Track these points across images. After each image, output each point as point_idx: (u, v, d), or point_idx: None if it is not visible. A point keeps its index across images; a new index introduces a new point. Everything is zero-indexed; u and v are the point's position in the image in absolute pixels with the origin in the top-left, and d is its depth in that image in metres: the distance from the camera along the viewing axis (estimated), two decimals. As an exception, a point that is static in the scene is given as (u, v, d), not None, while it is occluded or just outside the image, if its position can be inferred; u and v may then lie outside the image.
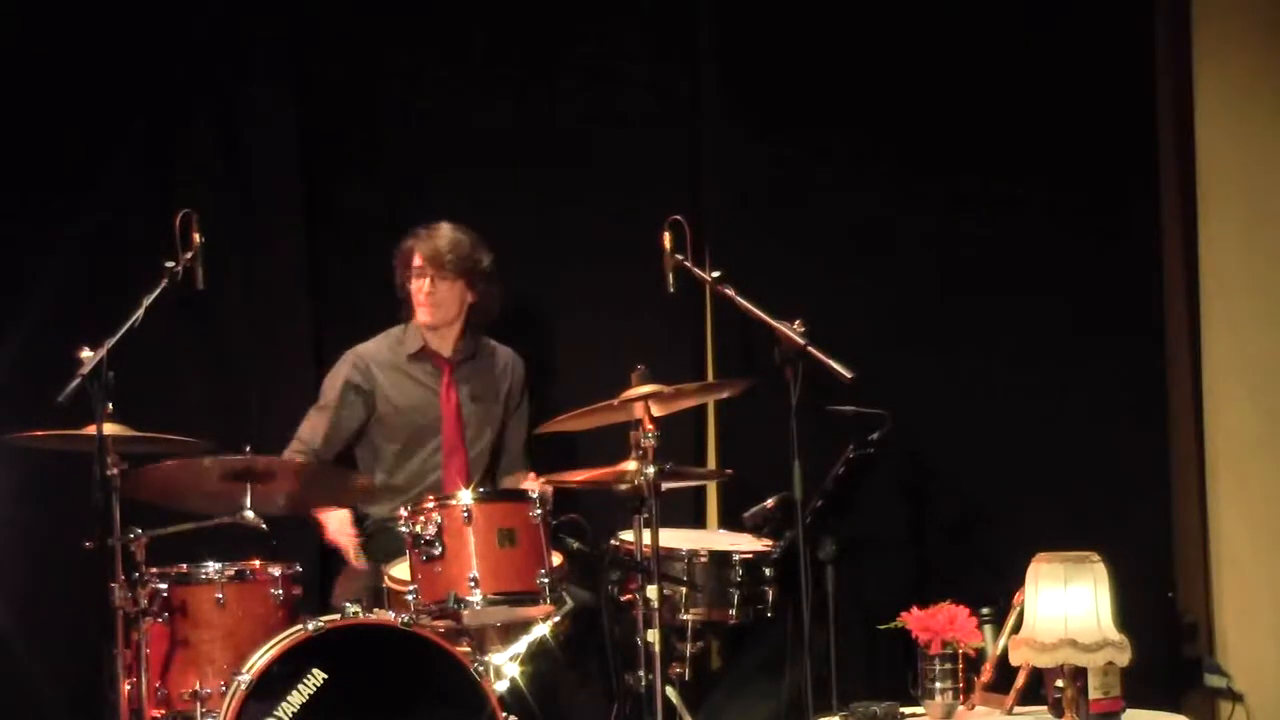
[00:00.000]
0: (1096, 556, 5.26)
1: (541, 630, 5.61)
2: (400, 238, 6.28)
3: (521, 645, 5.59)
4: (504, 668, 5.52)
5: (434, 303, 6.23)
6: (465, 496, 5.56)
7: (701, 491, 6.78)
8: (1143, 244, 6.69)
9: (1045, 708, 5.44)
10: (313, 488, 5.96)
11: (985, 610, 5.77)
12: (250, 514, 5.45)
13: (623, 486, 5.56)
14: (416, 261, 6.22)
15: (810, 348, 5.49)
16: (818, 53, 6.67)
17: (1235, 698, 6.54)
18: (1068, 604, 5.19)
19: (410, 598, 5.52)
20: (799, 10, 6.68)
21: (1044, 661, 5.24)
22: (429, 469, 6.27)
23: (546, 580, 5.51)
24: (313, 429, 6.28)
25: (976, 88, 6.65)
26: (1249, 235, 6.62)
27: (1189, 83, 6.65)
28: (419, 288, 6.23)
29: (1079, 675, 5.26)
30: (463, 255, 6.20)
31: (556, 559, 5.64)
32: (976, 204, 6.65)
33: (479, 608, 5.49)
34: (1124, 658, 5.22)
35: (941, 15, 6.66)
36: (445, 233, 6.22)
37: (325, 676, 5.23)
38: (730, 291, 5.72)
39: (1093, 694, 5.29)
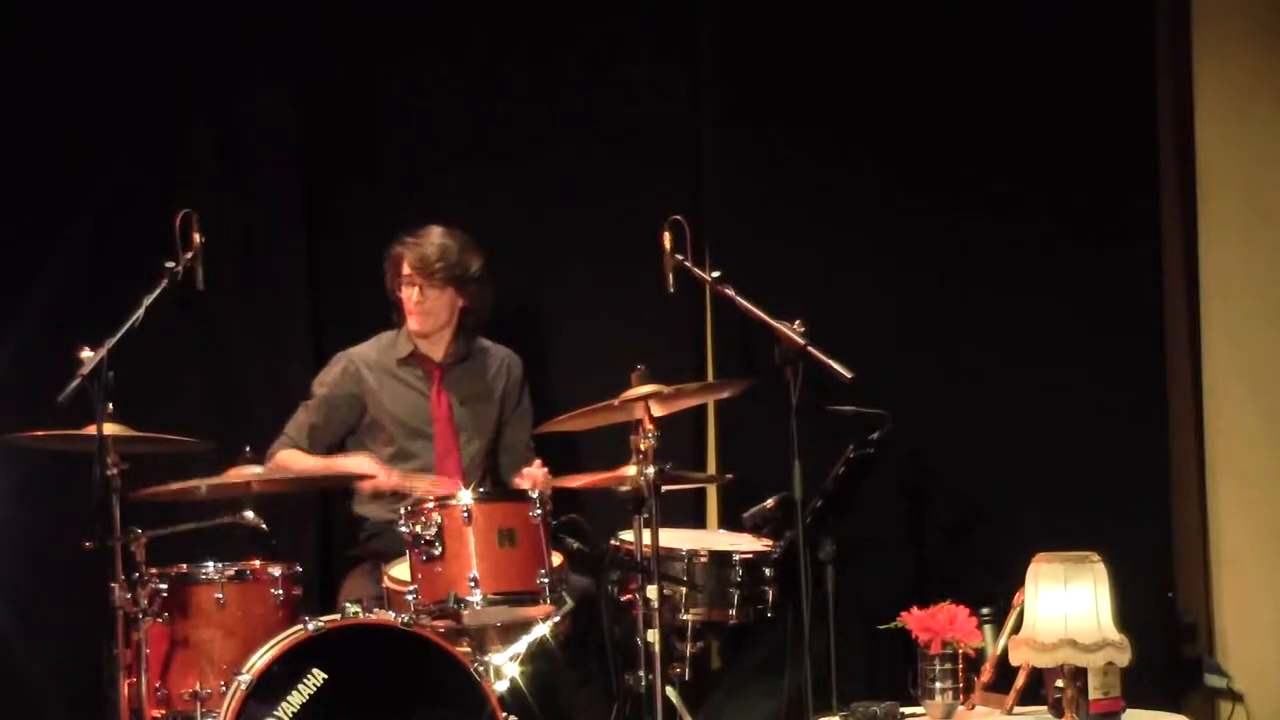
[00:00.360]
0: (1096, 556, 5.27)
1: (541, 630, 5.61)
2: (399, 238, 6.28)
3: (521, 645, 5.59)
4: (504, 668, 5.52)
5: (424, 311, 6.21)
6: (465, 496, 5.56)
7: (701, 491, 6.78)
8: (1143, 244, 6.68)
9: (1045, 708, 5.44)
10: (311, 485, 6.01)
11: (985, 610, 5.77)
12: (250, 514, 5.46)
13: (623, 487, 5.56)
14: (405, 270, 6.19)
15: (810, 348, 5.50)
16: (818, 53, 6.66)
17: (1235, 698, 6.53)
18: (1068, 604, 5.19)
19: (410, 598, 5.52)
20: (799, 10, 6.68)
21: (1044, 661, 5.24)
22: (424, 471, 6.24)
23: (546, 580, 5.52)
24: (299, 426, 6.28)
25: (977, 88, 6.64)
26: (1249, 235, 6.62)
27: (1189, 83, 6.65)
28: (408, 296, 6.21)
29: (1079, 675, 5.26)
30: (451, 263, 6.17)
31: (556, 559, 5.64)
32: (977, 204, 6.63)
33: (479, 608, 5.50)
34: (1124, 658, 5.22)
35: (942, 15, 6.66)
36: (434, 239, 6.19)
37: (325, 676, 5.23)
38: (730, 291, 5.73)
39: (1093, 694, 5.29)
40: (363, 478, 6.10)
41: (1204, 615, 6.68)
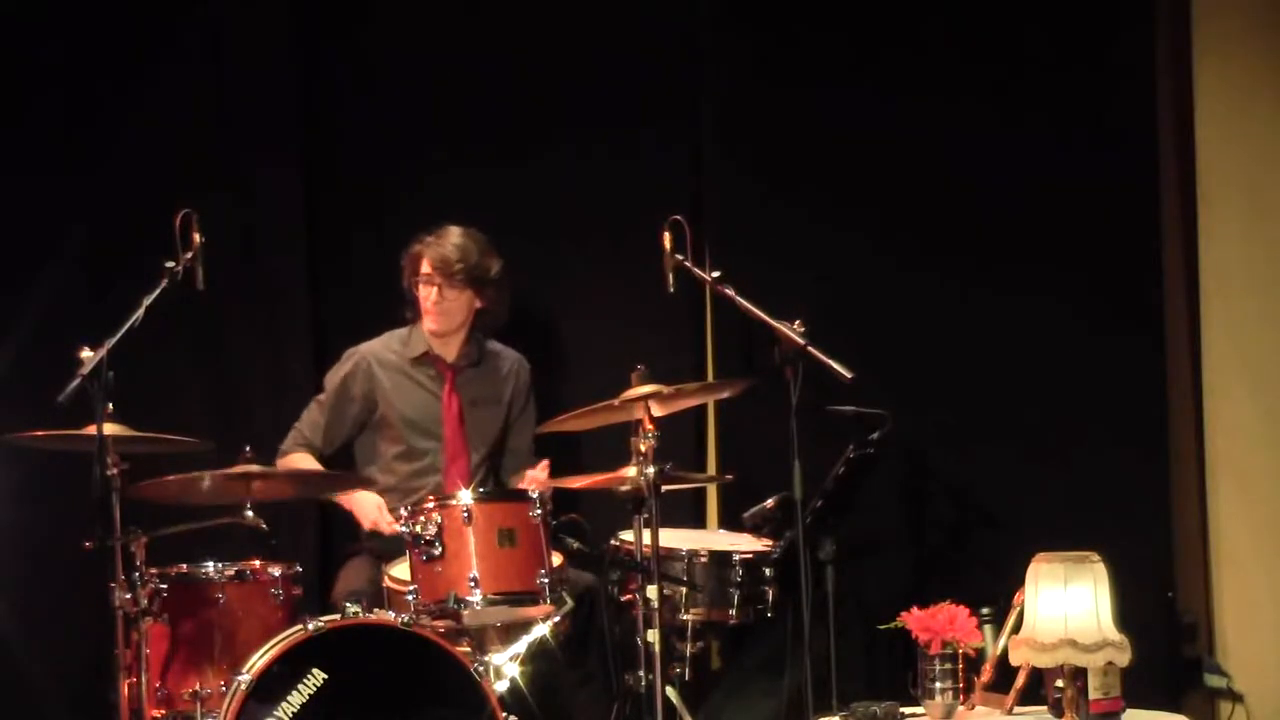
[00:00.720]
0: (1096, 556, 5.27)
1: (541, 630, 5.60)
2: (400, 238, 6.27)
3: (521, 645, 5.58)
4: (504, 668, 5.52)
5: (441, 311, 6.21)
6: (465, 496, 5.56)
7: (701, 491, 6.78)
8: (1143, 244, 6.68)
9: (1045, 708, 5.44)
10: (312, 486, 6.00)
11: (985, 610, 5.78)
12: (250, 514, 5.45)
13: (623, 487, 5.56)
14: (425, 269, 6.18)
15: (810, 348, 5.50)
16: (819, 53, 6.66)
17: (1235, 698, 6.53)
18: (1068, 604, 5.19)
19: (410, 598, 5.52)
20: (801, 10, 6.67)
21: (1044, 661, 5.24)
22: (429, 472, 6.25)
23: (546, 580, 5.52)
24: (313, 423, 6.29)
25: (977, 87, 6.63)
26: (1249, 234, 6.62)
27: (1189, 83, 6.65)
28: (426, 295, 6.20)
29: (1079, 675, 5.26)
30: (471, 264, 6.16)
31: (556, 559, 5.64)
32: (976, 204, 6.63)
33: (479, 608, 5.50)
34: (1124, 658, 5.22)
35: (940, 15, 6.65)
36: (454, 239, 6.19)
37: (325, 676, 5.23)
38: (730, 291, 5.73)
39: (1093, 694, 5.29)
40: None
41: (1204, 615, 6.67)
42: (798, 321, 5.54)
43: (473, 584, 5.45)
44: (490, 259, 6.22)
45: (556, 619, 5.61)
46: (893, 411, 6.08)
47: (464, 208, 6.41)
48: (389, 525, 5.99)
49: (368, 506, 6.10)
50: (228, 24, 6.57)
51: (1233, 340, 6.65)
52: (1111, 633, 5.20)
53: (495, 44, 6.72)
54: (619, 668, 5.72)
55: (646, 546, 5.43)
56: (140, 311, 5.39)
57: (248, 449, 5.53)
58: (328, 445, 6.26)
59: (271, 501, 5.62)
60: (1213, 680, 6.56)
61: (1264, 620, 6.60)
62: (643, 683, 5.38)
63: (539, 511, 5.55)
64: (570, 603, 5.62)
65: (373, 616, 5.40)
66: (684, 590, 5.81)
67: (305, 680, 5.22)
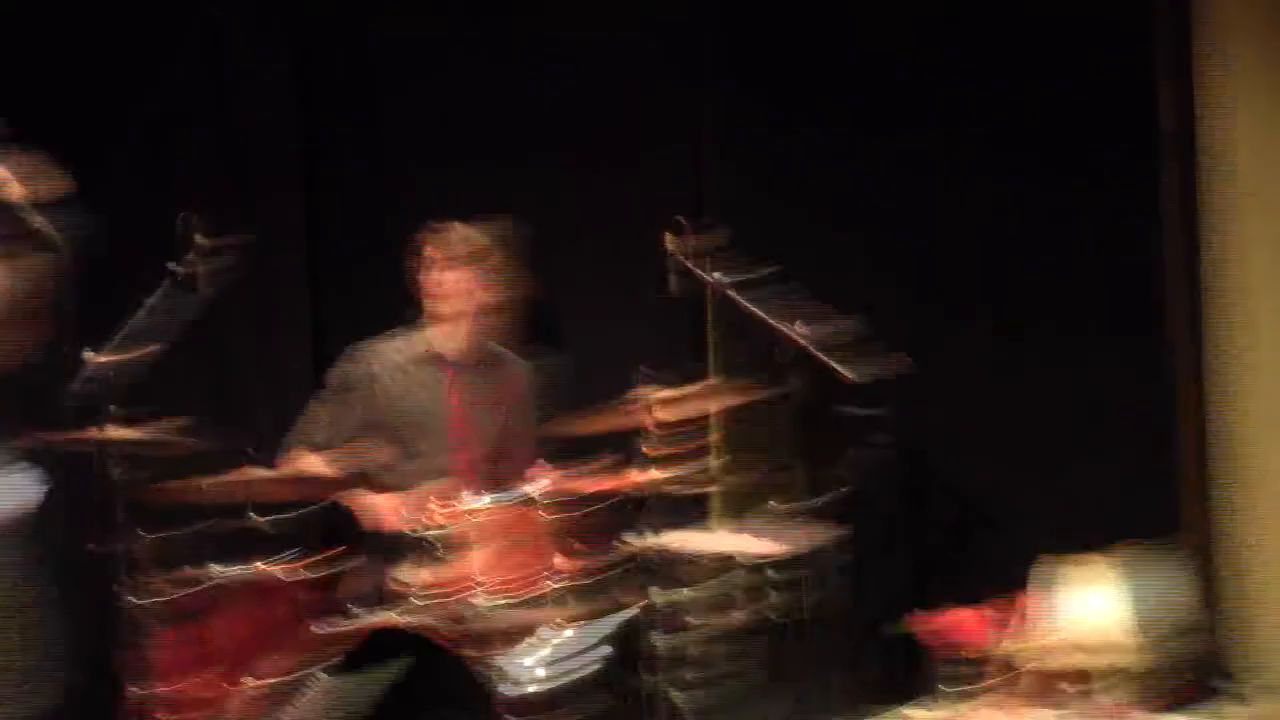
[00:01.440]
0: (1102, 557, 5.28)
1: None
2: (400, 238, 6.26)
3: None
4: (509, 670, 5.50)
5: (444, 294, 6.20)
6: (469, 497, 5.56)
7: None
8: (1143, 244, 6.69)
9: (1047, 708, 5.44)
10: (312, 487, 6.01)
11: (986, 611, 5.78)
12: (255, 515, 5.45)
13: (624, 488, 5.56)
14: (427, 252, 6.19)
15: (810, 348, 5.50)
16: (821, 55, 6.67)
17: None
18: (1074, 605, 5.21)
19: (414, 599, 5.50)
20: (803, 13, 6.68)
21: (1050, 663, 5.25)
22: (430, 473, 6.21)
23: (552, 583, 5.51)
24: (313, 421, 6.27)
25: (978, 90, 6.64)
26: (1251, 233, 6.62)
27: (1189, 82, 6.65)
28: (428, 279, 6.20)
29: (1083, 677, 5.26)
30: (475, 248, 6.17)
31: (560, 560, 5.64)
32: (977, 205, 6.64)
33: (484, 610, 5.49)
34: (1130, 660, 5.22)
35: (942, 15, 6.66)
36: (459, 227, 6.20)
37: (327, 677, 5.22)
38: (730, 291, 5.73)
39: (1098, 696, 5.30)
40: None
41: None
42: (798, 322, 5.54)
43: (478, 586, 5.46)
44: (495, 248, 6.21)
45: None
46: (892, 411, 6.08)
47: (464, 207, 6.41)
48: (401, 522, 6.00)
49: (381, 513, 6.07)
50: (228, 24, 6.56)
51: (1233, 340, 6.65)
52: (1118, 635, 5.21)
53: (496, 44, 6.73)
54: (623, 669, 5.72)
55: (648, 547, 5.43)
56: (141, 312, 5.38)
57: (250, 450, 5.53)
58: (329, 443, 6.23)
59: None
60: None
61: (1265, 620, 6.60)
62: (647, 685, 5.38)
63: (545, 514, 5.55)
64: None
65: (376, 618, 5.39)
66: (687, 592, 5.81)
67: (308, 681, 5.22)
